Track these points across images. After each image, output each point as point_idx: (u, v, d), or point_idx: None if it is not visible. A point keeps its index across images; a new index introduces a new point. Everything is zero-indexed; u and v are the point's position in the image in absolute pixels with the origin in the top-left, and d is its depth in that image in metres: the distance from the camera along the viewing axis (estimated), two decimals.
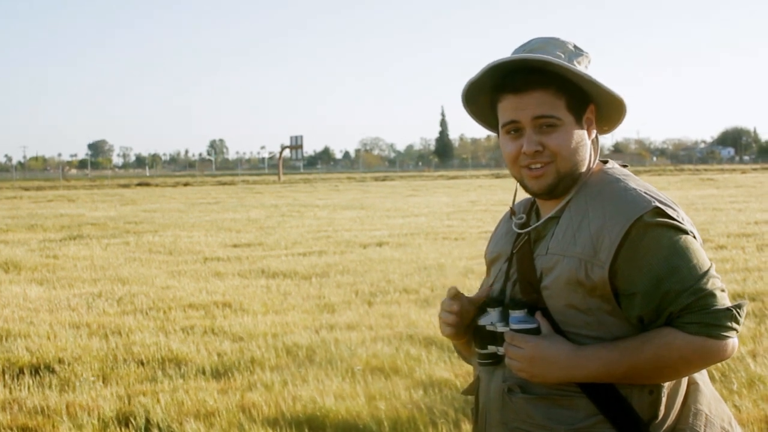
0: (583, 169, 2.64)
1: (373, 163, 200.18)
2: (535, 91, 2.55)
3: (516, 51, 2.67)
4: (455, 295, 2.76)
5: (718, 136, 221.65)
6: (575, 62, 2.59)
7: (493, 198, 41.89)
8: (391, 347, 8.82)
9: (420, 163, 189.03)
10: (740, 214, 26.13)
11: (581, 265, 2.50)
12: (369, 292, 12.57)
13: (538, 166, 2.58)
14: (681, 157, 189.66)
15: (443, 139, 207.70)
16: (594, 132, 2.70)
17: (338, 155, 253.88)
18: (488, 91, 2.68)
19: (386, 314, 10.72)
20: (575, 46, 2.66)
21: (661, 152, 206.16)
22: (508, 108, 2.60)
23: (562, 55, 2.58)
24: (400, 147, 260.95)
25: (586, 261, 2.49)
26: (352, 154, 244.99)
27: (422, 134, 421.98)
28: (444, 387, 7.36)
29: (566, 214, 2.61)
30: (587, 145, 2.65)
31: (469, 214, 29.75)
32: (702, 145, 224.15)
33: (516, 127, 2.59)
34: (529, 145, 2.56)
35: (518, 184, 2.75)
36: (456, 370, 7.81)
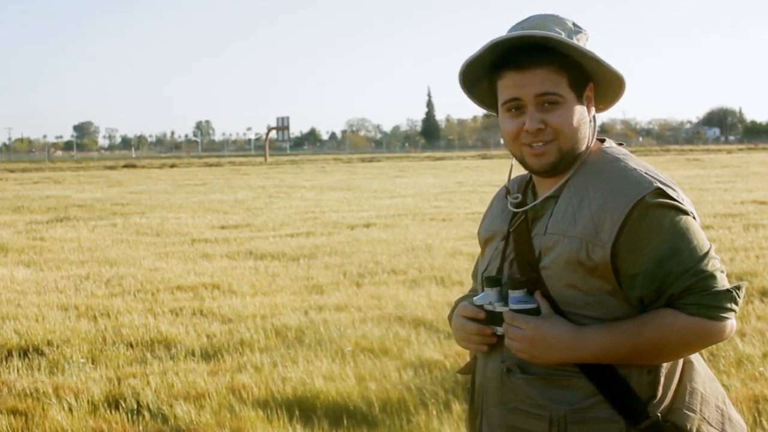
0: (584, 147, 2.61)
1: (359, 144, 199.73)
2: (538, 68, 2.52)
3: (514, 28, 2.63)
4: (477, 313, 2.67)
5: (704, 116, 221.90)
6: (575, 39, 2.56)
7: (480, 179, 41.90)
8: (380, 328, 8.81)
9: (406, 144, 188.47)
10: (726, 194, 26.19)
11: (582, 245, 2.47)
12: (357, 273, 12.56)
13: (540, 144, 2.55)
14: (667, 137, 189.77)
15: (429, 120, 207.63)
16: (593, 110, 2.67)
17: (325, 136, 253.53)
18: (487, 69, 2.65)
19: (375, 295, 10.71)
20: (574, 24, 2.63)
21: (647, 132, 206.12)
22: (509, 85, 2.57)
23: (562, 32, 2.56)
24: (387, 128, 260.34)
25: (587, 241, 2.47)
26: (339, 135, 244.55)
27: (408, 115, 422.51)
28: (434, 368, 7.35)
29: (565, 194, 2.59)
30: (587, 123, 2.63)
31: (457, 195, 29.75)
32: (688, 126, 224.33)
33: (517, 105, 2.56)
34: (532, 123, 2.53)
35: (514, 161, 2.73)
36: (445, 351, 7.80)
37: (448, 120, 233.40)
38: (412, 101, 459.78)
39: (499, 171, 50.09)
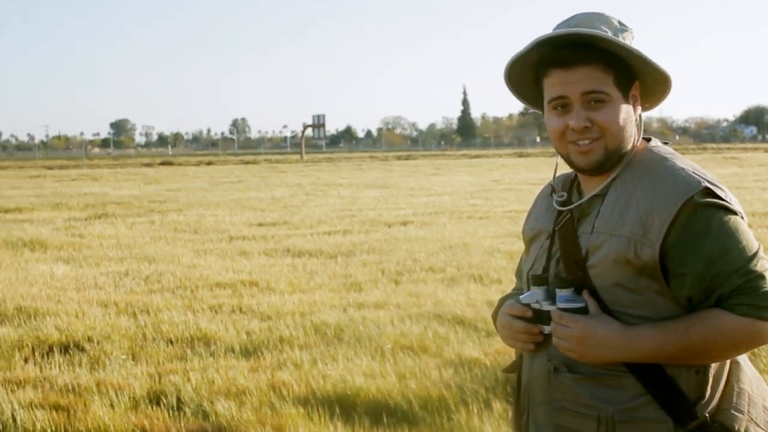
0: (630, 146, 2.60)
1: (395, 142, 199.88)
2: (584, 66, 2.51)
3: (559, 26, 2.62)
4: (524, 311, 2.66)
5: (741, 114, 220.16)
6: (621, 38, 2.55)
7: (516, 177, 41.80)
8: (420, 326, 8.81)
9: (442, 142, 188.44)
10: (765, 193, 25.98)
11: (630, 244, 2.46)
12: (395, 271, 12.56)
13: (586, 142, 2.54)
14: (703, 135, 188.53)
15: (465, 118, 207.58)
16: (639, 109, 2.66)
17: (360, 134, 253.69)
18: (533, 67, 2.65)
19: (413, 293, 10.70)
20: (620, 22, 2.62)
21: (684, 131, 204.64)
22: (555, 83, 2.56)
23: (608, 31, 2.54)
24: (422, 126, 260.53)
25: (635, 240, 2.46)
26: (374, 133, 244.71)
27: (444, 113, 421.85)
28: (474, 366, 7.33)
29: (612, 192, 2.58)
30: (634, 122, 2.61)
31: (493, 193, 29.68)
32: (724, 124, 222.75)
33: (563, 103, 2.55)
34: (578, 121, 2.52)
35: (559, 159, 2.72)
36: (485, 349, 7.79)
37: (483, 118, 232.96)
38: (448, 99, 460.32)
39: (536, 169, 49.95)
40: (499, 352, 7.51)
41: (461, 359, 7.56)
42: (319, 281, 11.85)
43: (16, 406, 6.49)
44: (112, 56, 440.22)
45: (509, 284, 10.57)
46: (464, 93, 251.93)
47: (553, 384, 2.62)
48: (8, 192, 35.55)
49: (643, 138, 2.69)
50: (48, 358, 8.01)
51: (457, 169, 54.39)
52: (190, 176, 49.93)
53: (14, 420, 6.22)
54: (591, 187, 2.66)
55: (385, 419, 6.17)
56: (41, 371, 7.56)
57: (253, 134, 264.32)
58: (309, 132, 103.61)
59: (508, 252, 13.36)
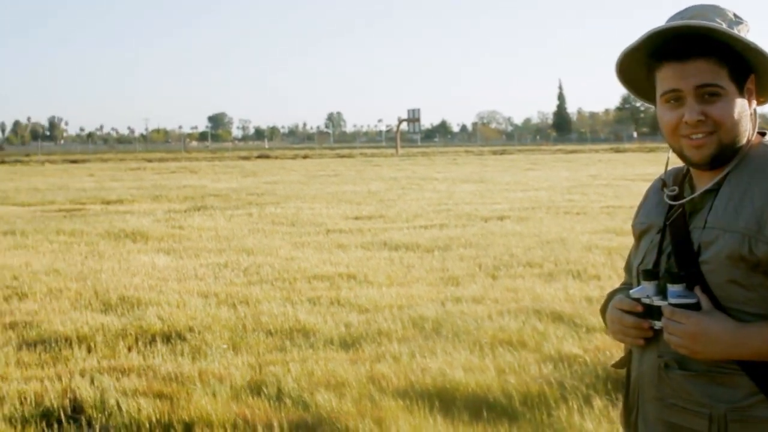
0: (744, 140, 2.54)
1: (490, 136, 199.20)
2: (699, 60, 2.46)
3: (672, 18, 2.58)
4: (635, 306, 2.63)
5: None
6: (736, 30, 2.50)
7: (614, 172, 41.37)
8: (518, 321, 8.77)
9: (538, 137, 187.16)
10: None
11: (744, 240, 2.42)
12: (492, 265, 12.52)
13: (700, 135, 2.48)
14: None
15: (561, 113, 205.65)
16: (754, 103, 2.61)
17: (455, 129, 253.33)
18: (645, 59, 2.61)
19: (511, 288, 10.66)
20: (735, 14, 2.57)
21: None
22: (668, 76, 2.51)
23: (723, 23, 2.50)
24: (518, 120, 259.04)
25: (749, 236, 2.41)
26: (469, 127, 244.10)
27: (539, 108, 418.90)
28: (573, 362, 7.27)
29: (725, 188, 2.53)
30: (748, 116, 2.56)
31: (590, 189, 29.43)
32: None
33: (677, 96, 2.51)
34: (692, 115, 2.47)
35: (671, 153, 2.68)
36: (585, 346, 7.73)
37: (579, 113, 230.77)
38: (543, 94, 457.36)
39: (633, 165, 49.42)
40: (599, 348, 7.45)
41: (561, 355, 7.50)
42: (416, 275, 11.86)
43: (121, 394, 6.62)
44: (211, 51, 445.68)
45: (608, 281, 10.53)
46: (560, 87, 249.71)
47: (663, 380, 2.58)
48: (110, 184, 36.31)
49: (758, 132, 2.64)
50: (150, 347, 8.14)
51: (552, 164, 54.02)
52: (286, 169, 50.40)
53: (119, 408, 6.34)
54: (703, 181, 2.61)
55: (484, 414, 6.15)
56: (144, 360, 7.70)
57: (348, 128, 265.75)
58: (404, 126, 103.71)
59: (606, 248, 13.24)
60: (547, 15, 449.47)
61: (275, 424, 6.01)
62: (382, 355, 7.68)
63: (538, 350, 7.71)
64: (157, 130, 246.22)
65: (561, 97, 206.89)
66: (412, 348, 7.85)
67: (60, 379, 7.08)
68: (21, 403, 6.50)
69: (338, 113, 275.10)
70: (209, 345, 8.11)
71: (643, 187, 2.96)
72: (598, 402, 6.23)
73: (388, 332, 8.47)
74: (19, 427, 6.06)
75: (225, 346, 8.05)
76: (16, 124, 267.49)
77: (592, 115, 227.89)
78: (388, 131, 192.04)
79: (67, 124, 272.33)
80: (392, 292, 10.56)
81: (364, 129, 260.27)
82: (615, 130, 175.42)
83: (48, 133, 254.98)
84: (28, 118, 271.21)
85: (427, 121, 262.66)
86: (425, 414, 6.14)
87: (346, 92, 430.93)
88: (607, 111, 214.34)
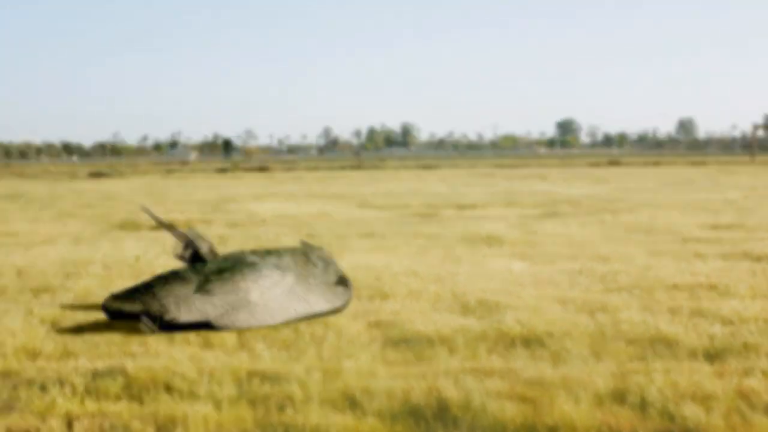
0: None
1: None
2: None
3: None
4: None
5: None
6: None
7: None
8: None
9: None
10: None
11: None
12: None
13: None
14: None
15: None
16: None
17: None
18: None
19: None
20: None
21: None
22: None
23: None
24: None
25: None
26: None
27: None
28: None
29: None
30: None
31: None
32: None
33: None
34: None
35: None
36: None
37: None
38: None
39: None
40: None
41: None
42: None
43: (485, 396, 6.74)
44: (558, 56, 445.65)
45: None
46: None
47: None
48: (463, 189, 37.12)
49: None
50: (510, 351, 8.23)
51: None
52: (637, 176, 49.64)
53: (484, 409, 6.45)
54: None
55: None
56: (506, 363, 7.79)
57: (700, 134, 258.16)
58: (760, 132, 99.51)
59: None
60: None
61: None
62: (750, 369, 7.38)
63: None
64: (506, 137, 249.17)
65: None
66: None
67: (425, 377, 7.30)
68: (389, 400, 6.74)
69: (690, 119, 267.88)
70: (569, 351, 8.10)
71: None
72: None
73: (755, 346, 8.15)
74: (388, 422, 6.29)
75: (586, 353, 8.01)
76: (371, 130, 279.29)
77: None
78: (742, 138, 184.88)
79: (418, 130, 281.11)
80: (756, 304, 10.14)
81: (717, 135, 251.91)
82: None
83: (399, 139, 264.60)
84: (382, 125, 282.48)
85: None
86: None
87: (698, 97, 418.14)
88: None
